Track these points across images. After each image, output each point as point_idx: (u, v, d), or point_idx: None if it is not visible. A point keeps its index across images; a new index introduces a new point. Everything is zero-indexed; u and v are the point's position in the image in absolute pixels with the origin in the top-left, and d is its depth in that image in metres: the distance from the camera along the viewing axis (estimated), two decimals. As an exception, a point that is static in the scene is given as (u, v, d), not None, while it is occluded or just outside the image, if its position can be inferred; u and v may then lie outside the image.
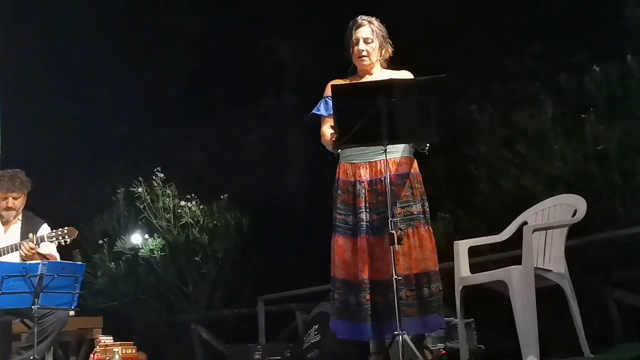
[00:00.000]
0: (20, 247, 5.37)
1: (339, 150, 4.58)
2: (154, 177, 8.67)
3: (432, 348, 5.08)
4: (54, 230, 5.46)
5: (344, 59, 4.75)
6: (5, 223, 5.60)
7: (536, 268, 4.50)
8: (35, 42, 9.24)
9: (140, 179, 8.68)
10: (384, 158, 4.35)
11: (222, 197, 8.88)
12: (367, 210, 4.50)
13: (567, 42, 6.80)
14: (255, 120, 9.99)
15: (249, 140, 9.99)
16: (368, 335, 4.48)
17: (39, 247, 5.39)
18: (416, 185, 4.57)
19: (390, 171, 4.37)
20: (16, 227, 5.61)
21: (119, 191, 9.03)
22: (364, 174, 4.55)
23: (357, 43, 4.64)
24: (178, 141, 10.14)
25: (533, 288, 4.42)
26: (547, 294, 4.64)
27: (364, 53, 4.64)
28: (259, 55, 9.88)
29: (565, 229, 4.64)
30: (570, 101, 6.33)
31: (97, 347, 6.15)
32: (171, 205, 8.67)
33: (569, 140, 6.20)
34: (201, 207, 8.74)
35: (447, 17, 7.94)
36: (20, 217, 5.64)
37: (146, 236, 8.74)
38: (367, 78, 4.67)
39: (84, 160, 9.69)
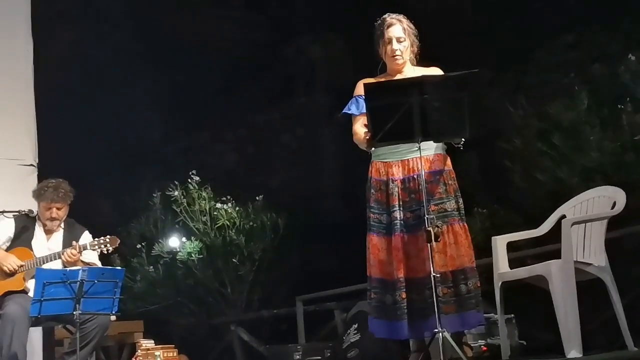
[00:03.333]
0: (62, 255, 5.42)
1: (372, 149, 4.57)
2: (189, 180, 8.71)
3: (472, 345, 5.05)
4: (97, 239, 5.50)
5: (373, 57, 4.74)
6: (48, 232, 5.65)
7: (576, 262, 4.45)
8: (68, 50, 9.35)
9: (176, 182, 8.73)
10: (417, 156, 4.34)
11: (257, 198, 8.89)
12: (401, 209, 4.49)
13: (601, 31, 6.72)
14: (287, 121, 10.01)
15: (282, 141, 10.02)
16: (405, 334, 4.46)
17: (81, 255, 5.44)
18: (449, 182, 4.55)
19: (423, 169, 4.35)
20: (58, 235, 5.67)
21: (155, 195, 9.09)
22: (397, 172, 4.54)
23: (390, 42, 4.61)
24: (212, 144, 10.21)
25: (573, 282, 4.38)
26: (588, 288, 4.58)
27: (398, 52, 4.61)
28: (289, 56, 9.90)
29: (605, 221, 4.58)
30: (605, 91, 6.25)
31: (139, 350, 6.20)
32: (207, 208, 8.70)
33: (605, 130, 6.12)
34: (237, 208, 8.76)
35: (478, 9, 7.89)
36: (62, 225, 5.69)
37: (183, 239, 8.79)
38: (398, 76, 4.65)
39: (120, 165, 9.78)
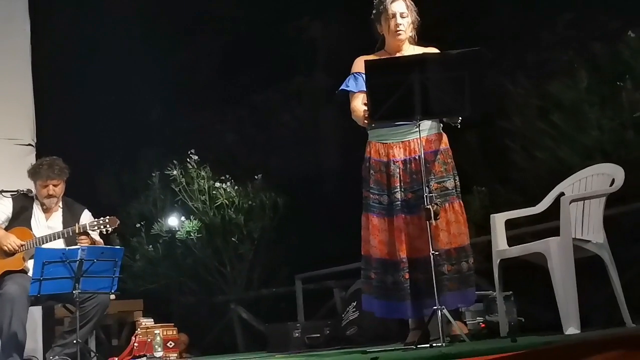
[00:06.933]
0: (63, 234, 5.43)
1: (369, 129, 4.57)
2: (188, 159, 8.69)
3: (471, 322, 5.07)
4: (96, 220, 5.50)
5: (373, 37, 4.72)
6: (47, 211, 5.65)
7: (575, 239, 4.46)
8: (67, 29, 9.30)
9: (175, 161, 8.71)
10: (417, 137, 4.35)
11: (256, 177, 8.88)
12: (402, 190, 4.49)
13: (601, 9, 6.68)
14: (287, 101, 9.98)
15: (281, 121, 9.99)
16: (408, 314, 4.49)
17: (89, 236, 5.45)
18: (448, 161, 4.58)
19: (423, 149, 4.36)
20: (58, 215, 5.67)
21: (154, 174, 9.08)
22: (398, 154, 4.54)
23: (394, 17, 4.60)
24: (211, 123, 10.17)
25: (572, 259, 4.38)
26: (587, 265, 4.59)
27: (401, 28, 4.60)
28: (289, 36, 9.84)
29: (603, 199, 4.57)
30: (605, 69, 6.21)
31: (139, 329, 6.22)
32: (206, 187, 8.68)
33: (604, 109, 6.09)
34: (236, 188, 8.74)
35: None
36: (60, 204, 5.69)
37: (182, 218, 8.79)
38: (398, 54, 4.63)
39: (119, 144, 9.76)
